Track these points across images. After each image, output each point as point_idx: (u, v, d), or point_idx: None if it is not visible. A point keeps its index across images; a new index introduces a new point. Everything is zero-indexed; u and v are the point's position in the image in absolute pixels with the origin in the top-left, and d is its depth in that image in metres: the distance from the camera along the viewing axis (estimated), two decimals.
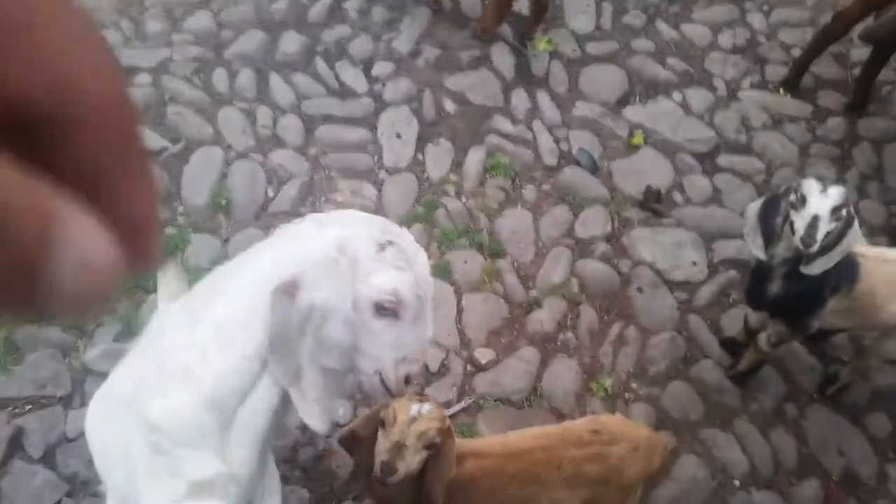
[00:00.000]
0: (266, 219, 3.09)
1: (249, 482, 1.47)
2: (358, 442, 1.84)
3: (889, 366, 2.92)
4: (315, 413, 1.44)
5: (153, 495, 1.44)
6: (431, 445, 1.68)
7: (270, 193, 3.18)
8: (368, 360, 1.47)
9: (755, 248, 2.38)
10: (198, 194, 3.12)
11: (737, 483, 2.62)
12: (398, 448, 1.62)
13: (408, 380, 1.52)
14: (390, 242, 1.39)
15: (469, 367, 2.83)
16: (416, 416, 1.66)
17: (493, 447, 1.98)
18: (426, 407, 1.69)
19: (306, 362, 1.40)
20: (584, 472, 1.93)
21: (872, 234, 3.35)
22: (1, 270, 0.23)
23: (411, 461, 1.64)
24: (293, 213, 3.13)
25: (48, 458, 2.42)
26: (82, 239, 0.25)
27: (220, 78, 3.48)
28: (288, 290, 1.32)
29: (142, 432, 1.39)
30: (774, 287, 2.41)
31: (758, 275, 2.49)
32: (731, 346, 2.90)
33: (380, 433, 1.70)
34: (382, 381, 1.50)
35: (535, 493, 1.92)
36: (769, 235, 2.32)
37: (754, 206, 2.41)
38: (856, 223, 2.25)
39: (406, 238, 1.46)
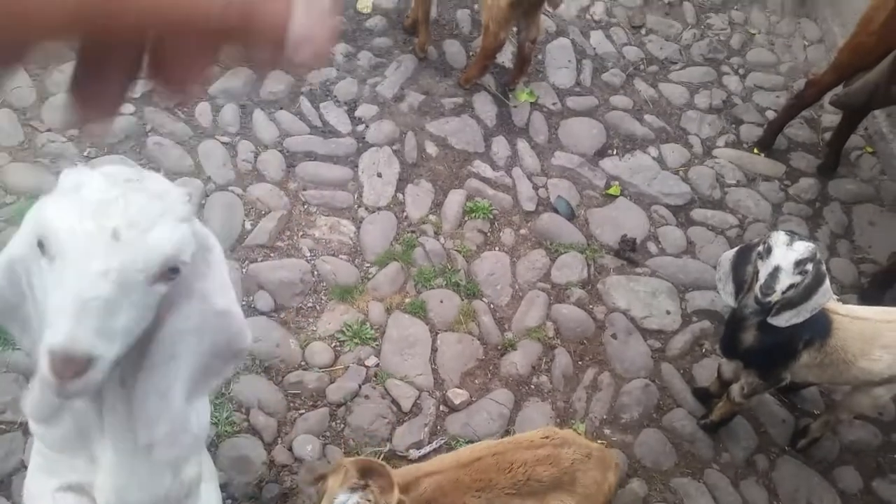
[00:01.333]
0: (242, 251, 3.07)
1: (137, 485, 1.37)
2: None
3: (859, 420, 2.93)
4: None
5: (32, 484, 1.48)
6: None
7: (248, 226, 3.17)
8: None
9: (726, 296, 2.41)
10: None
11: None
12: None
13: (55, 367, 1.04)
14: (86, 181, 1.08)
15: (442, 408, 2.79)
16: None
17: (445, 462, 1.95)
18: (354, 500, 1.58)
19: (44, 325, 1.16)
20: (537, 475, 1.89)
21: (842, 292, 3.41)
22: (264, 40, 0.44)
23: None
24: (269, 247, 3.12)
25: (4, 487, 2.33)
26: (304, 20, 0.43)
27: (203, 111, 3.51)
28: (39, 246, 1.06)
29: None
30: (748, 337, 2.43)
31: (732, 324, 2.51)
32: (704, 396, 2.90)
33: None
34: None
35: (491, 501, 1.88)
36: (740, 284, 2.35)
37: (727, 255, 2.46)
38: (826, 280, 2.29)
39: (126, 174, 1.11)
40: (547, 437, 2.00)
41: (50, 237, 1.03)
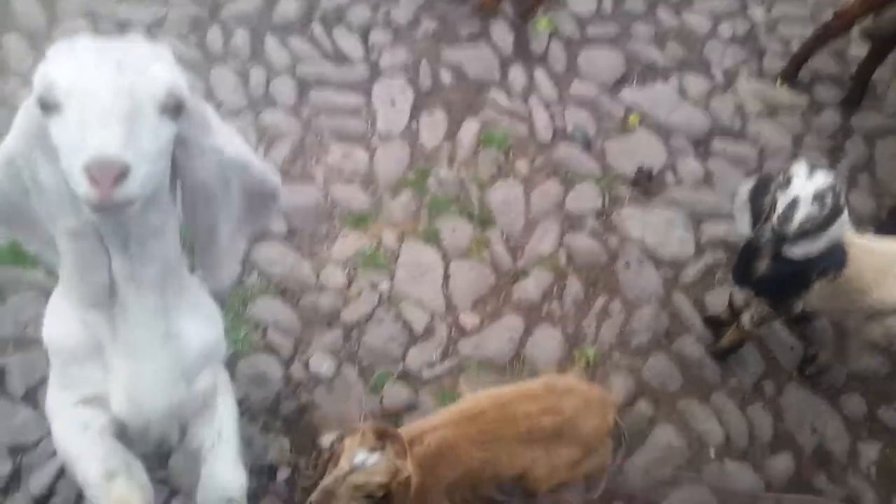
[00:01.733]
0: None
1: (150, 390, 1.46)
2: None
3: (868, 349, 2.95)
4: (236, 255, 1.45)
5: (52, 400, 1.53)
6: (371, 496, 1.65)
7: (260, 152, 3.17)
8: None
9: (742, 226, 2.40)
10: None
11: (712, 453, 2.64)
12: (328, 496, 1.60)
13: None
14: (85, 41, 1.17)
15: (453, 332, 2.84)
16: (357, 467, 1.61)
17: (449, 417, 1.96)
18: (373, 459, 1.63)
19: (51, 223, 1.29)
20: (540, 425, 1.93)
21: (860, 225, 3.37)
22: None
23: None
24: (282, 173, 3.12)
25: (29, 398, 2.42)
26: None
27: (214, 37, 3.47)
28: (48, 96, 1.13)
29: None
30: (761, 266, 2.42)
31: (746, 253, 2.51)
32: (715, 324, 2.92)
33: (330, 465, 1.69)
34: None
35: (497, 453, 1.91)
36: (757, 214, 2.33)
37: (746, 184, 2.43)
38: (845, 212, 2.26)
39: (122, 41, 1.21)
40: (548, 388, 2.03)
41: (57, 85, 1.10)
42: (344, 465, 1.62)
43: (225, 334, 2.45)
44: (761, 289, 2.51)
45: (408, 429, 1.95)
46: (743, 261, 2.53)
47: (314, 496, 1.62)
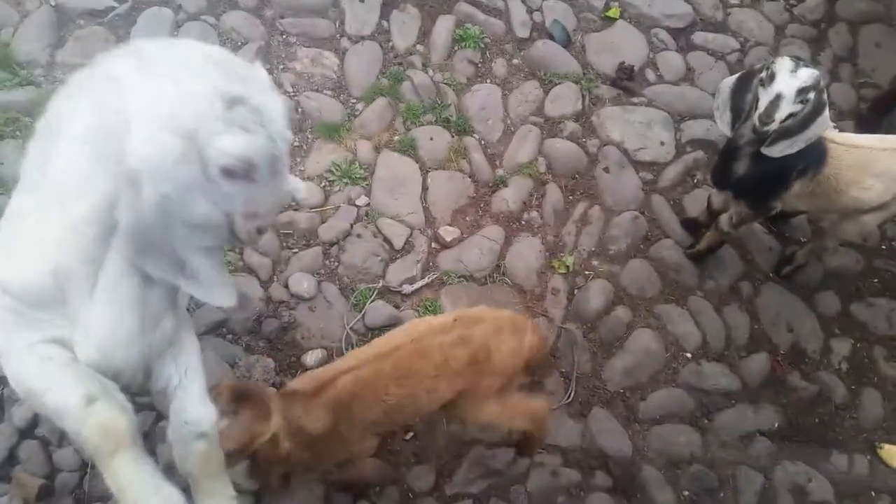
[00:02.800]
0: None
1: (123, 343, 1.43)
2: None
3: (843, 247, 2.99)
4: (215, 293, 1.39)
5: (3, 340, 1.44)
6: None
7: None
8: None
9: (722, 125, 2.32)
10: None
11: (688, 355, 2.72)
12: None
13: (261, 231, 1.46)
14: (238, 100, 1.25)
15: (433, 245, 2.82)
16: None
17: (362, 355, 1.93)
18: (221, 424, 1.60)
19: (184, 251, 1.32)
20: (454, 356, 1.90)
21: (840, 118, 3.34)
22: None
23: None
24: None
25: None
26: None
27: None
28: (131, 185, 1.21)
29: None
30: (740, 167, 2.39)
31: (725, 154, 2.46)
32: (693, 227, 2.92)
33: None
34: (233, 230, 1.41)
35: (414, 388, 1.89)
36: (738, 112, 2.26)
37: (727, 81, 2.34)
38: (826, 110, 2.21)
39: (258, 84, 1.31)
40: (457, 319, 1.99)
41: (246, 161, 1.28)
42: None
43: None
44: (740, 190, 2.48)
45: (319, 372, 1.91)
46: (722, 162, 2.49)
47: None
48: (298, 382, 1.91)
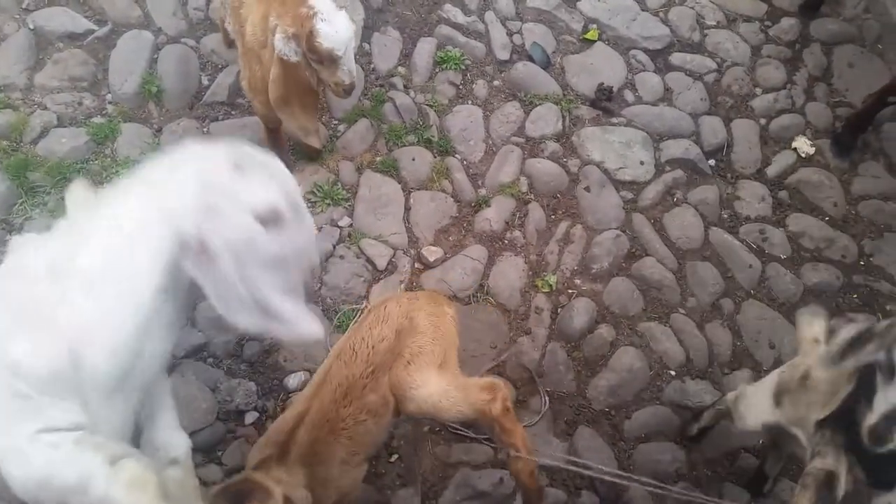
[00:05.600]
0: (201, 109, 2.93)
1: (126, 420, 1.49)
2: None
3: (823, 263, 3.02)
4: (301, 326, 1.47)
5: (3, 436, 1.36)
6: None
7: (205, 81, 3.00)
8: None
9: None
10: (126, 81, 2.92)
11: (672, 373, 2.72)
12: None
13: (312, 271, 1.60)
14: (243, 162, 1.41)
15: (416, 265, 2.81)
16: None
17: (304, 397, 1.87)
18: None
19: (265, 292, 1.41)
20: (378, 337, 1.86)
21: (816, 137, 3.40)
22: None
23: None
24: (230, 104, 2.97)
25: None
26: None
27: None
28: (198, 256, 1.36)
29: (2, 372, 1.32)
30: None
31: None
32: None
33: None
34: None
35: (359, 396, 1.81)
36: None
37: (847, 328, 1.78)
38: None
39: (257, 155, 1.47)
40: (369, 310, 1.99)
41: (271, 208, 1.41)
42: None
43: None
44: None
45: (275, 432, 1.82)
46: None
47: None
48: (259, 452, 1.80)
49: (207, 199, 1.36)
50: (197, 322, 2.51)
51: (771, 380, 2.07)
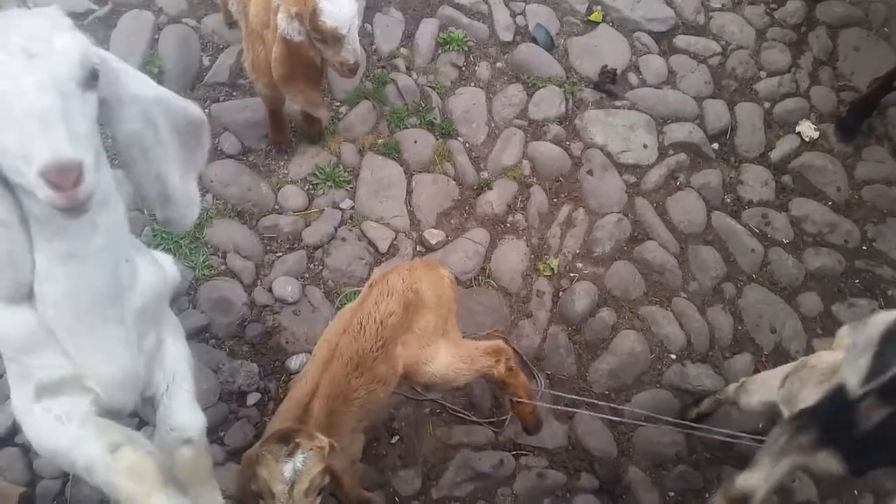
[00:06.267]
0: (202, 90, 2.92)
1: (122, 382, 1.45)
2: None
3: (826, 248, 3.02)
4: (193, 213, 1.47)
5: (15, 398, 1.44)
6: (323, 489, 1.57)
7: (206, 62, 2.98)
8: None
9: (851, 373, 1.63)
10: (127, 62, 2.86)
11: (673, 356, 2.73)
12: None
13: None
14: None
15: (418, 248, 2.81)
16: (293, 478, 1.51)
17: (313, 372, 1.87)
18: (299, 459, 1.53)
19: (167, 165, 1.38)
20: (387, 312, 1.87)
21: (820, 121, 3.38)
22: None
23: None
24: (231, 85, 2.96)
25: None
26: None
27: None
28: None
29: None
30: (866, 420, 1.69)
31: (837, 408, 1.77)
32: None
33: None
34: None
35: (371, 368, 1.85)
36: (881, 367, 1.57)
37: (883, 318, 1.64)
38: None
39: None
40: (371, 283, 1.98)
41: None
42: (280, 488, 1.51)
43: (183, 260, 2.39)
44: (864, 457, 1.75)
45: (292, 407, 1.84)
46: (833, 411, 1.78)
47: None
48: (280, 423, 1.82)
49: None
50: (199, 303, 2.51)
51: (788, 365, 2.16)
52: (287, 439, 1.57)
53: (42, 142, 1.04)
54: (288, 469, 1.51)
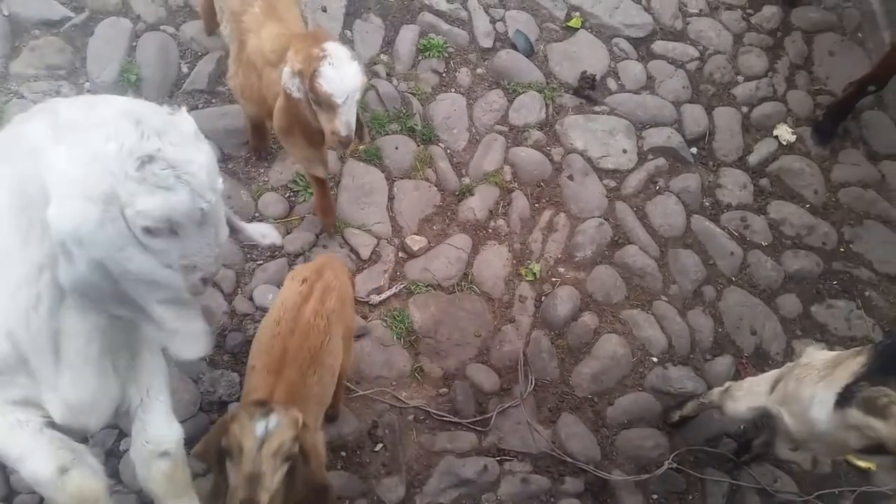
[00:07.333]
0: (181, 97, 2.89)
1: (91, 402, 1.45)
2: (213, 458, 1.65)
3: (804, 250, 3.05)
4: (181, 345, 1.36)
5: None
6: (291, 456, 1.56)
7: (185, 69, 2.96)
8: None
9: None
10: (105, 69, 2.88)
11: (654, 359, 2.74)
12: (254, 480, 1.47)
13: (205, 282, 1.39)
14: (152, 157, 1.20)
15: (400, 254, 2.81)
16: (264, 437, 1.51)
17: (263, 372, 1.85)
18: (273, 420, 1.53)
19: (144, 303, 1.29)
20: (331, 307, 1.92)
21: (797, 125, 3.42)
22: None
23: (272, 484, 1.50)
24: (210, 92, 2.94)
25: None
26: None
27: None
28: (63, 252, 1.20)
29: None
30: None
31: None
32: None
33: (228, 465, 1.55)
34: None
35: (324, 361, 1.88)
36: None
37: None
38: None
39: (179, 137, 1.25)
40: (304, 280, 1.97)
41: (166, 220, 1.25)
42: (250, 444, 1.50)
43: None
44: None
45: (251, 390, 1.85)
46: None
47: (241, 491, 1.47)
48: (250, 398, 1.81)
49: (95, 189, 1.19)
50: None
51: (774, 371, 2.24)
52: (264, 405, 1.59)
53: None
54: (260, 427, 1.51)
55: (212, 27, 2.91)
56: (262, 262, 2.66)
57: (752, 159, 3.28)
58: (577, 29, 3.48)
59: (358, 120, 2.22)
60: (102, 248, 1.19)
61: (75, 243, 1.17)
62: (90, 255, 1.19)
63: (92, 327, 1.35)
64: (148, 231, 1.23)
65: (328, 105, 2.12)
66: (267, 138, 2.81)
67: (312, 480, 1.64)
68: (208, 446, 1.60)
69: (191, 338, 1.35)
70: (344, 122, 2.14)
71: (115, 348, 1.45)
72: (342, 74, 2.09)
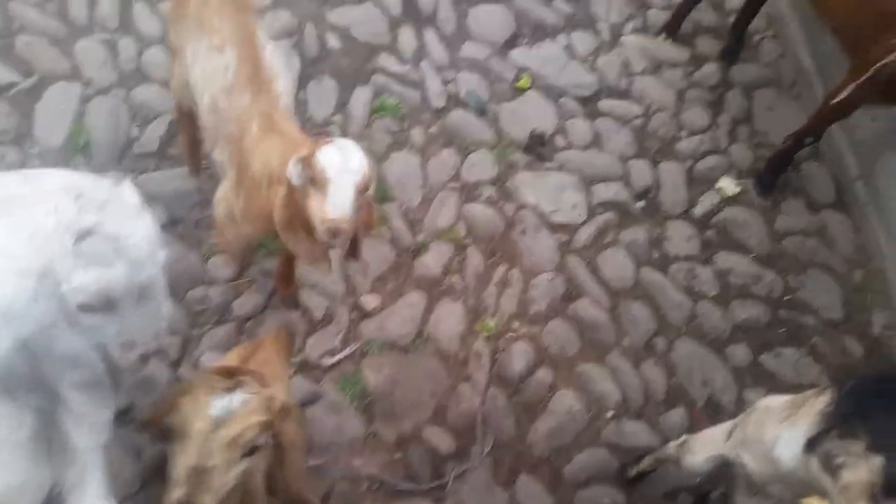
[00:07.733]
0: (130, 160, 2.88)
1: (24, 479, 1.37)
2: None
3: (750, 299, 3.13)
4: (91, 431, 1.33)
5: None
6: (255, 449, 1.23)
7: (135, 132, 2.96)
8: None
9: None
10: (53, 134, 2.86)
11: (609, 414, 2.75)
12: (199, 475, 1.15)
13: (144, 359, 1.35)
14: (90, 232, 1.18)
15: (354, 314, 2.80)
16: (221, 419, 1.19)
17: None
18: (238, 399, 1.21)
19: (58, 386, 1.25)
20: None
21: (741, 177, 3.54)
22: None
23: (222, 484, 1.18)
24: (160, 155, 2.94)
25: None
26: None
27: (77, 5, 3.17)
28: None
29: None
30: None
31: None
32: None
33: (176, 448, 1.24)
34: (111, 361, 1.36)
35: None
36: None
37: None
38: None
39: (119, 210, 1.23)
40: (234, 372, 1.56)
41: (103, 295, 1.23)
42: (199, 426, 1.18)
43: None
44: None
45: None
46: None
47: (178, 487, 1.16)
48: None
49: (30, 264, 1.15)
50: (121, 384, 2.42)
51: (728, 422, 2.27)
52: (233, 375, 1.25)
53: None
54: (218, 405, 1.19)
55: (196, 166, 2.86)
56: (209, 326, 2.63)
57: (697, 211, 3.37)
58: (527, 89, 3.58)
59: (356, 237, 2.08)
60: (32, 324, 1.17)
61: (4, 321, 1.15)
62: (18, 333, 1.16)
63: (21, 410, 1.30)
64: (84, 307, 1.20)
65: (320, 182, 1.92)
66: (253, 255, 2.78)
67: (287, 491, 1.26)
68: (151, 419, 1.33)
69: (97, 426, 1.32)
70: (332, 202, 1.88)
71: (49, 431, 1.40)
72: (343, 154, 1.93)
